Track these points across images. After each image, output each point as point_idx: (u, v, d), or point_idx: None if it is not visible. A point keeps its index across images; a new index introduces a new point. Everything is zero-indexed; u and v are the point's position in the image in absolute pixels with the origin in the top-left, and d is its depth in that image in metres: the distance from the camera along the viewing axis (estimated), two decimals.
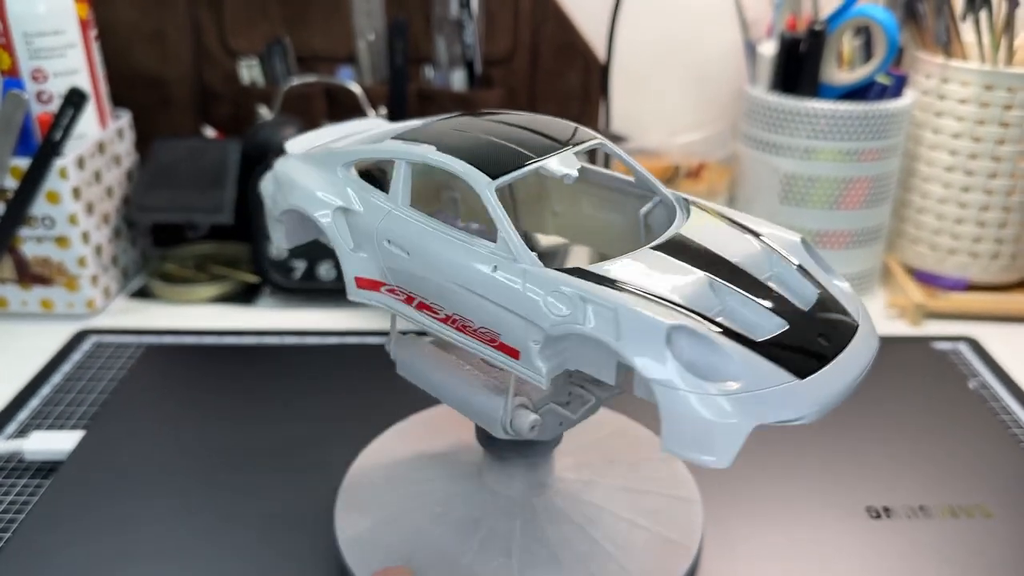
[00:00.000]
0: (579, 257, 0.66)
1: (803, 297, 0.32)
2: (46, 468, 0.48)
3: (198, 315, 0.66)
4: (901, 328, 0.64)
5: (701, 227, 0.34)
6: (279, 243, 0.42)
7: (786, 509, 0.44)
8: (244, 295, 0.69)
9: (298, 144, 0.43)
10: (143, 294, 0.69)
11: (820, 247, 0.65)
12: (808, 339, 0.30)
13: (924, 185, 0.67)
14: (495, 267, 0.32)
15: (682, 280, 0.31)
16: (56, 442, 0.48)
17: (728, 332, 0.29)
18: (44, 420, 0.52)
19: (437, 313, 0.35)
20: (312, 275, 0.68)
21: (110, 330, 0.63)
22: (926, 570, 0.40)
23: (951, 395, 0.54)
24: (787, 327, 0.30)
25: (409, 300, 0.36)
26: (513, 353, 0.32)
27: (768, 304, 0.31)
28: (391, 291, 0.36)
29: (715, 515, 0.43)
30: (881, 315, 0.66)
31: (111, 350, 0.60)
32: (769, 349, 0.29)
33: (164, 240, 0.75)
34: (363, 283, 0.37)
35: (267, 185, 0.42)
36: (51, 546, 0.42)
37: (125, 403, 0.54)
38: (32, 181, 0.60)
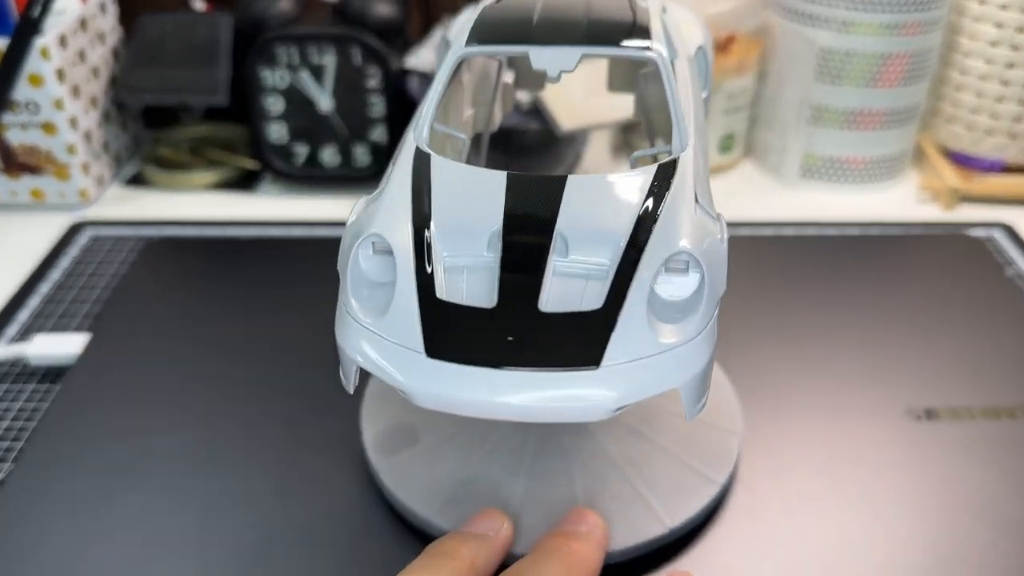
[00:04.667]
0: (599, 143, 0.62)
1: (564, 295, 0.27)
2: (53, 373, 0.46)
3: (197, 203, 0.63)
4: (934, 213, 0.62)
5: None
6: None
7: (825, 414, 0.43)
8: (243, 182, 0.66)
9: None
10: (137, 181, 0.66)
11: (854, 129, 0.62)
12: (491, 328, 0.26)
13: (965, 60, 0.63)
14: None
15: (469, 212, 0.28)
16: (61, 346, 0.46)
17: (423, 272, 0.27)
18: (46, 320, 0.50)
19: None
20: (315, 161, 0.64)
21: (107, 221, 0.60)
22: (969, 473, 0.39)
23: (988, 285, 0.52)
24: (491, 307, 0.26)
25: None
26: None
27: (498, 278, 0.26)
28: None
29: (752, 422, 0.42)
30: (913, 199, 0.64)
31: (109, 244, 0.57)
32: (435, 310, 0.26)
33: (156, 122, 0.71)
34: None
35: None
36: (67, 454, 0.40)
37: (129, 301, 0.51)
38: (12, 63, 0.56)
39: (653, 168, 0.29)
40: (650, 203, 0.28)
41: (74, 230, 0.59)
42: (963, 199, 0.62)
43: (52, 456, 0.40)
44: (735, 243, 0.56)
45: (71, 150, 0.60)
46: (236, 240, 0.58)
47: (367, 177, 0.64)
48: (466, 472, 0.37)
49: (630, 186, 0.29)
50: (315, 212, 0.62)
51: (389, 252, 0.27)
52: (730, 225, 0.57)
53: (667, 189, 0.28)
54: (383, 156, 0.64)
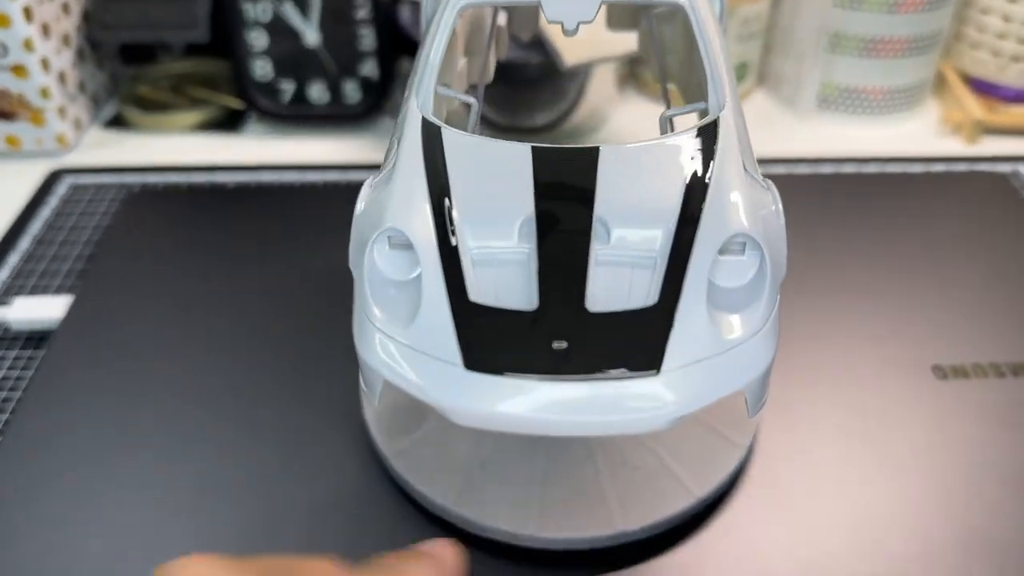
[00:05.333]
0: (604, 76, 0.59)
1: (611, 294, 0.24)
2: (36, 337, 0.44)
3: (180, 146, 0.60)
4: (956, 147, 0.59)
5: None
6: None
7: (843, 370, 0.41)
8: (228, 121, 0.63)
9: None
10: (117, 123, 0.63)
11: (874, 56, 0.58)
12: (535, 333, 0.23)
13: None
14: None
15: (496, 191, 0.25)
16: (43, 309, 0.44)
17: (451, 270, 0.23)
18: (27, 280, 0.48)
19: None
20: (302, 98, 0.61)
21: (87, 168, 0.57)
22: (999, 436, 0.38)
23: (1014, 226, 0.50)
24: (532, 309, 0.23)
25: None
26: None
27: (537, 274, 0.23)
28: None
29: (774, 381, 0.40)
30: (933, 131, 0.60)
31: (91, 193, 0.54)
32: (469, 315, 0.23)
33: (134, 58, 0.67)
34: None
35: None
36: (56, 423, 0.38)
37: (113, 257, 0.49)
38: None
39: (693, 132, 0.26)
40: (696, 175, 0.25)
41: (53, 178, 0.56)
42: (987, 131, 0.59)
43: (40, 426, 0.38)
44: None
45: (45, 93, 0.56)
46: (223, 187, 0.55)
47: (358, 115, 0.61)
48: (482, 452, 0.35)
49: (671, 155, 0.25)
50: (304, 153, 0.59)
51: (408, 246, 0.25)
52: None
53: (712, 157, 0.25)
54: (374, 92, 0.60)
